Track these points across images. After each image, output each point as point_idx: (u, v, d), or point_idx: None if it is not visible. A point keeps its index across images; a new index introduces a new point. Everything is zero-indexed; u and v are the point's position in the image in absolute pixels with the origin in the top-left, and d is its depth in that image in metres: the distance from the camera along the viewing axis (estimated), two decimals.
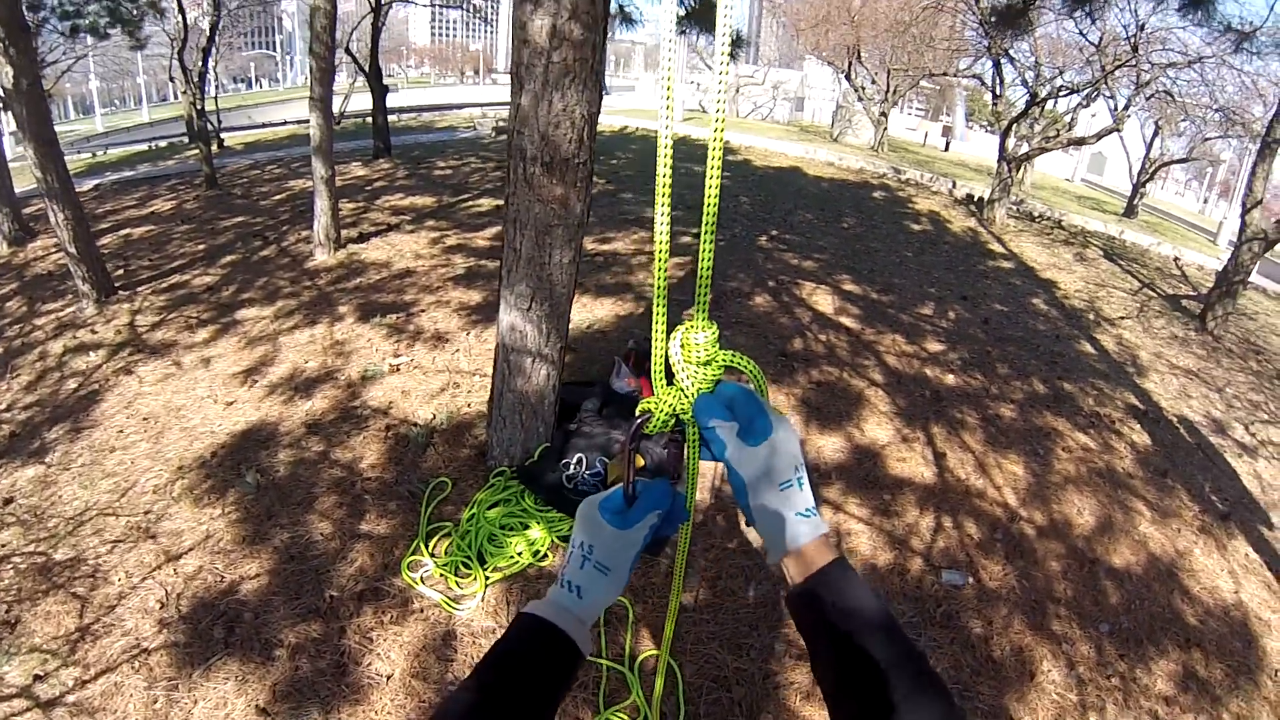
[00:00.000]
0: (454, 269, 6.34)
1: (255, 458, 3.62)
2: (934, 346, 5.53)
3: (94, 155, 17.43)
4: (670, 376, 0.76)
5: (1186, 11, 6.90)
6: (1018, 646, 2.83)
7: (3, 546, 3.10)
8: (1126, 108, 11.39)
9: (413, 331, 5.00)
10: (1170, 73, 10.83)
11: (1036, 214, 13.18)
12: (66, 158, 5.70)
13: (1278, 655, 3.06)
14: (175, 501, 3.32)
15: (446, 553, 2.96)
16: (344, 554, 2.96)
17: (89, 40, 12.67)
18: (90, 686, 2.40)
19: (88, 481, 3.53)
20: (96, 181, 11.68)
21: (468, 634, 2.62)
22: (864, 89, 20.28)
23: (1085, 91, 11.14)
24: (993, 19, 10.37)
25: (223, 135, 16.01)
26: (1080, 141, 11.46)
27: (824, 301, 6.21)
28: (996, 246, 9.72)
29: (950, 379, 4.98)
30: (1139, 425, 4.82)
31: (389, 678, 2.45)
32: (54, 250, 7.29)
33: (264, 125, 22.23)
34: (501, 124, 17.31)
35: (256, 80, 50.00)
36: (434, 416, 3.92)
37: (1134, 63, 9.82)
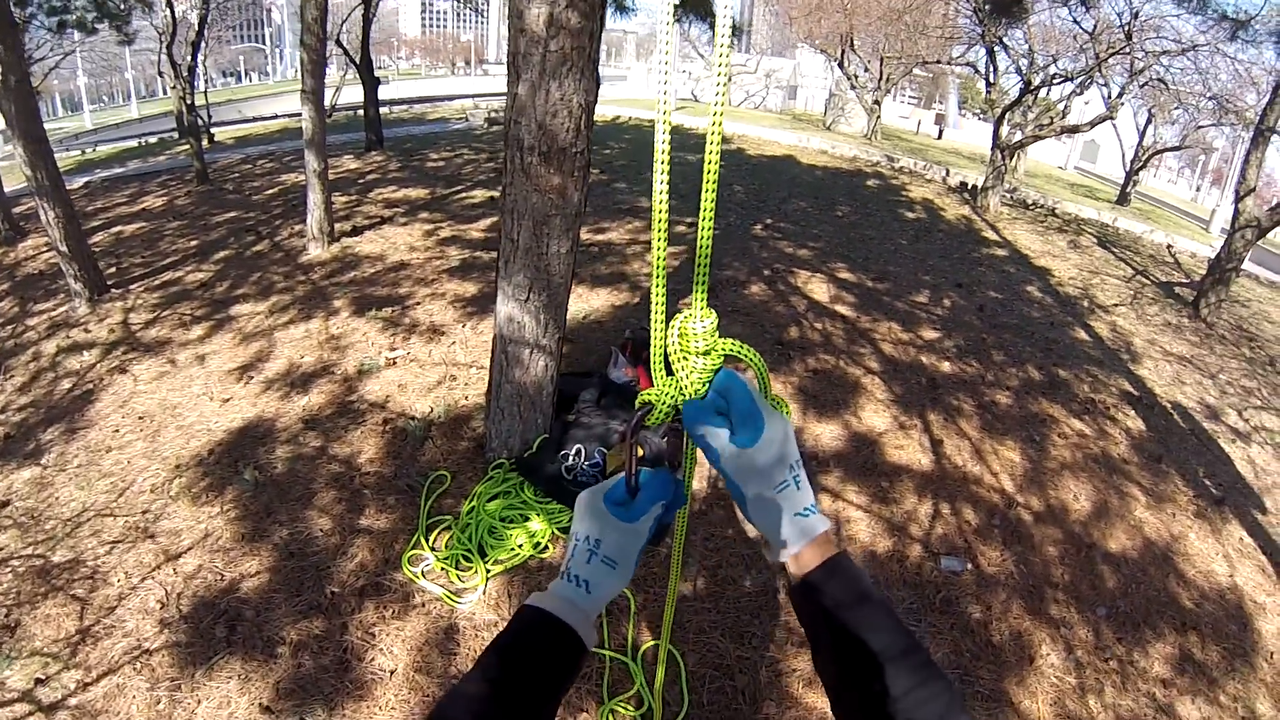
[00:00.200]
0: (449, 261, 6.32)
1: (253, 454, 3.61)
2: (929, 334, 5.54)
3: (83, 152, 17.29)
4: (670, 367, 0.73)
5: None
6: (1016, 631, 2.85)
7: (0, 550, 3.09)
8: (1120, 95, 11.40)
9: (408, 324, 4.99)
10: (1164, 60, 10.83)
11: (1030, 202, 13.19)
12: (55, 155, 5.64)
13: (1273, 638, 3.10)
14: (173, 500, 3.31)
15: (447, 546, 2.96)
16: (344, 549, 2.96)
17: (76, 36, 12.55)
18: (92, 689, 2.40)
19: (84, 482, 3.52)
20: (86, 179, 11.58)
21: (470, 627, 2.63)
22: (857, 77, 20.22)
23: (1079, 79, 11.12)
24: (986, 6, 10.34)
25: (213, 130, 15.87)
26: (1074, 129, 11.47)
27: (819, 290, 6.21)
28: (990, 234, 9.74)
29: (946, 366, 5.00)
30: (1133, 411, 4.85)
31: (392, 673, 2.45)
32: (45, 249, 7.24)
33: (254, 119, 22.08)
34: (494, 115, 17.23)
35: (246, 74, 49.60)
36: (432, 409, 3.91)
37: (1128, 50, 9.81)
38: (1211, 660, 2.90)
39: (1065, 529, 3.50)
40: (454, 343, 4.73)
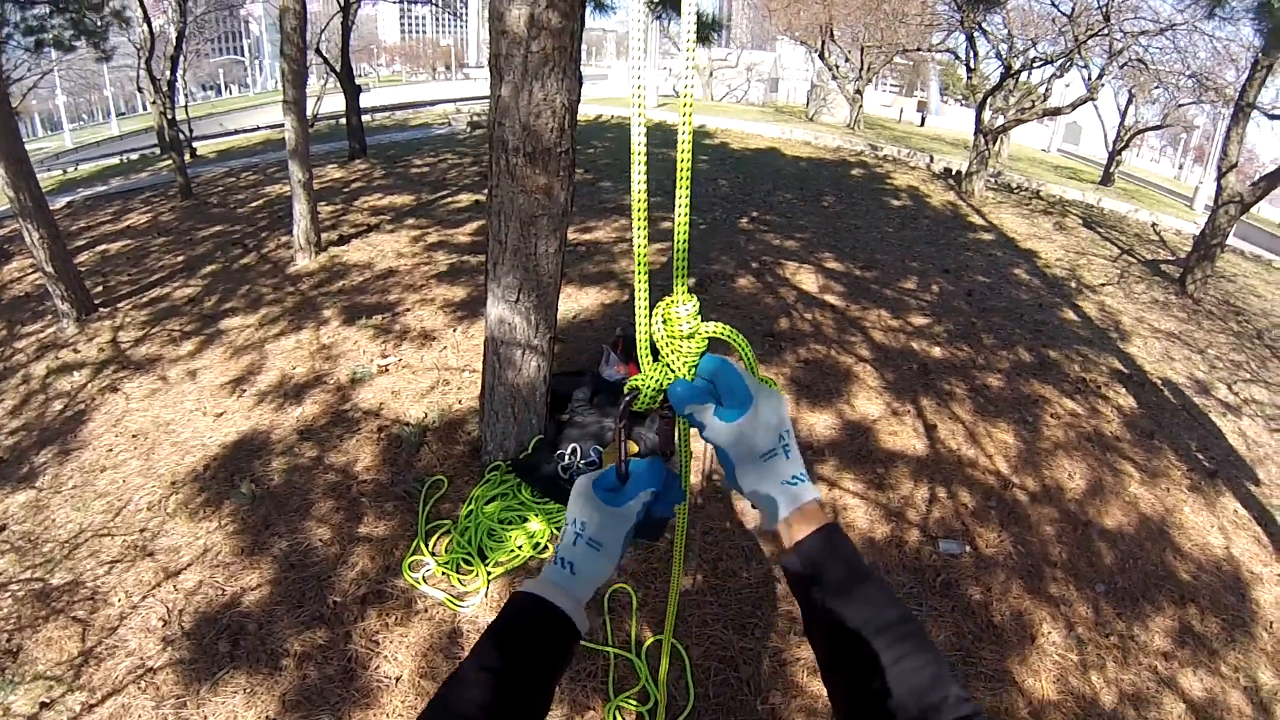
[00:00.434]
0: (437, 266, 6.30)
1: (249, 468, 3.60)
2: (919, 320, 5.57)
3: (64, 172, 17.15)
4: (656, 353, 0.76)
5: None
6: (1017, 611, 2.87)
7: None
8: (1100, 77, 11.44)
9: (399, 331, 4.98)
10: (1143, 40, 10.87)
11: (1015, 185, 13.26)
12: (37, 176, 5.60)
13: (1271, 607, 3.13)
14: (170, 517, 3.30)
15: (447, 550, 2.96)
16: (344, 558, 2.96)
17: (54, 54, 12.44)
18: (97, 710, 2.39)
19: (80, 503, 3.50)
20: (69, 198, 11.49)
21: (474, 630, 2.63)
22: (838, 67, 20.25)
23: (1059, 62, 11.17)
24: None
25: (195, 144, 15.78)
26: (1055, 112, 11.52)
27: (808, 280, 6.23)
28: (976, 219, 9.78)
29: (937, 351, 5.02)
30: (1124, 389, 4.88)
31: (398, 680, 2.45)
32: (30, 270, 7.19)
33: (236, 132, 21.97)
34: (476, 119, 17.18)
35: (226, 87, 49.32)
36: (426, 415, 3.91)
37: (1106, 32, 9.86)
38: (1211, 632, 2.93)
39: (1061, 508, 3.52)
40: (445, 347, 4.73)
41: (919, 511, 3.37)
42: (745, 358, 0.77)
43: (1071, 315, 6.26)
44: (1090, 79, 11.67)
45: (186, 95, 17.73)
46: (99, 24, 10.21)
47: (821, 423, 4.01)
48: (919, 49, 18.45)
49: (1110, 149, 17.77)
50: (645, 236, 0.73)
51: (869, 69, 20.11)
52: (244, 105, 35.48)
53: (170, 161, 10.54)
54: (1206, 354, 5.89)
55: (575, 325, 5.09)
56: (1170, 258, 9.10)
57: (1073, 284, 7.26)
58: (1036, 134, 26.81)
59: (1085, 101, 10.84)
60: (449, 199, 9.10)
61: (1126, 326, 6.20)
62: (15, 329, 5.91)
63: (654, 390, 0.75)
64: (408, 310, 5.34)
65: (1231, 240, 9.57)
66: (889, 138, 18.12)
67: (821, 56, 20.49)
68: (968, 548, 3.17)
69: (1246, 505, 3.82)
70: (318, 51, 12.88)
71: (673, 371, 0.74)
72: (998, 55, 11.84)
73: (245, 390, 4.39)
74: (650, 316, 0.75)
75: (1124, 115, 17.81)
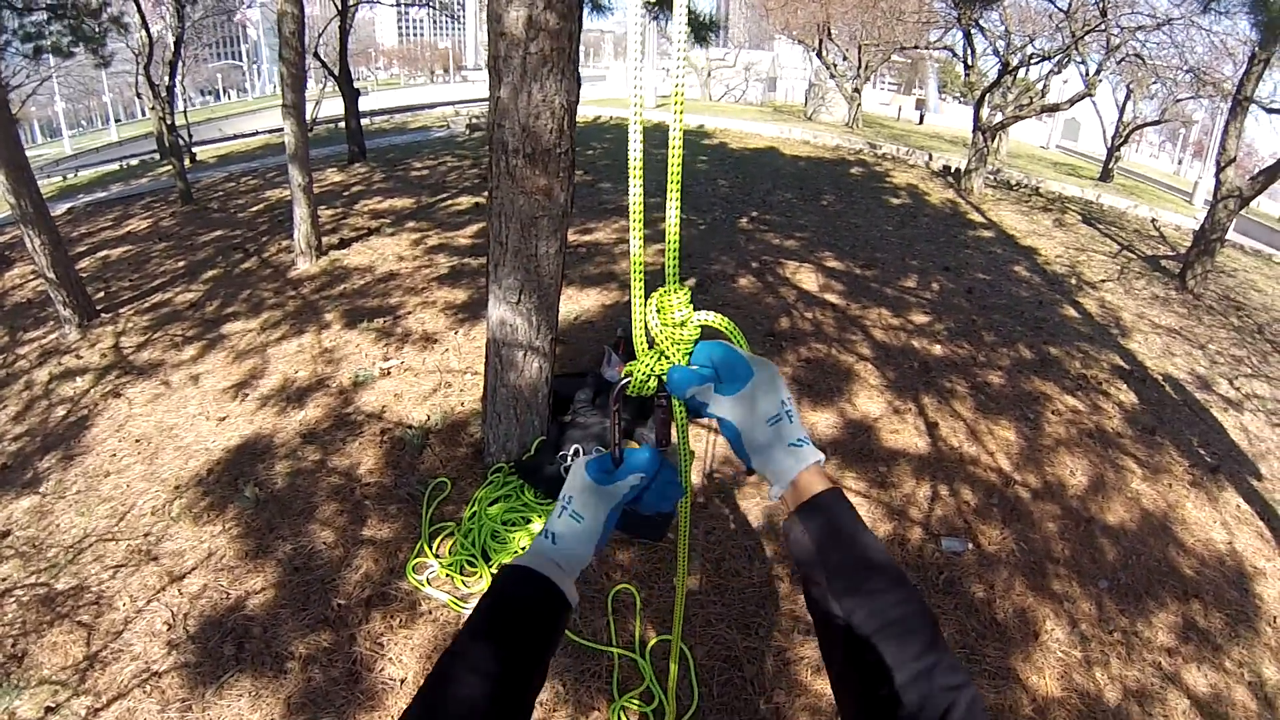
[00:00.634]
0: (437, 269, 6.31)
1: (252, 471, 3.60)
2: (920, 318, 5.57)
3: (64, 178, 17.16)
4: (651, 341, 0.79)
5: None
6: (1020, 608, 2.87)
7: (3, 580, 3.07)
8: (1098, 72, 11.44)
9: (401, 334, 4.99)
10: (1140, 36, 10.89)
11: (1014, 182, 13.26)
12: (37, 182, 5.61)
13: (1275, 601, 3.13)
14: (174, 522, 3.31)
15: (451, 552, 2.96)
16: (348, 561, 2.97)
17: (52, 61, 12.46)
18: (103, 715, 2.39)
19: (84, 508, 3.51)
20: (69, 205, 11.50)
21: None
22: (836, 66, 20.25)
23: (1056, 58, 11.19)
24: None
25: (194, 149, 15.78)
26: (1053, 108, 11.54)
27: (808, 280, 6.23)
28: (976, 216, 9.78)
29: (938, 349, 5.03)
30: (1125, 385, 4.89)
31: (402, 681, 2.46)
32: (32, 277, 7.20)
33: (235, 136, 21.95)
34: (475, 121, 17.19)
35: (224, 91, 49.34)
36: (428, 417, 3.91)
37: (1103, 27, 9.87)
38: (1215, 627, 2.93)
39: (1063, 505, 3.53)
40: (447, 350, 4.73)
41: (921, 510, 3.38)
42: (738, 342, 0.79)
43: (1072, 312, 6.27)
44: (1088, 75, 11.67)
45: (185, 100, 17.74)
46: (97, 30, 10.23)
47: (823, 421, 4.01)
48: (916, 47, 18.46)
49: (1109, 145, 17.76)
50: (641, 237, 0.75)
51: (867, 67, 20.12)
52: (243, 110, 35.47)
53: (170, 167, 10.56)
54: (1207, 349, 5.90)
55: (576, 326, 5.09)
56: (1170, 253, 9.10)
57: (1073, 280, 7.26)
58: (1035, 131, 26.79)
59: (1083, 97, 10.85)
60: (449, 201, 9.11)
61: (1127, 322, 6.20)
62: (17, 335, 5.92)
63: (647, 374, 0.78)
64: (409, 313, 5.34)
65: (1231, 235, 9.57)
66: (888, 136, 18.12)
67: (819, 55, 20.49)
68: (970, 545, 3.17)
69: (1249, 500, 3.82)
70: (316, 55, 12.88)
71: (667, 359, 0.77)
72: (995, 52, 11.86)
73: (248, 394, 4.39)
74: (645, 307, 0.77)
75: (1122, 111, 17.78)
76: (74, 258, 6.84)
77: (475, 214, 8.22)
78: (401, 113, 25.26)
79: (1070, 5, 10.25)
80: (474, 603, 2.71)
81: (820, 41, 20.11)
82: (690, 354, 0.76)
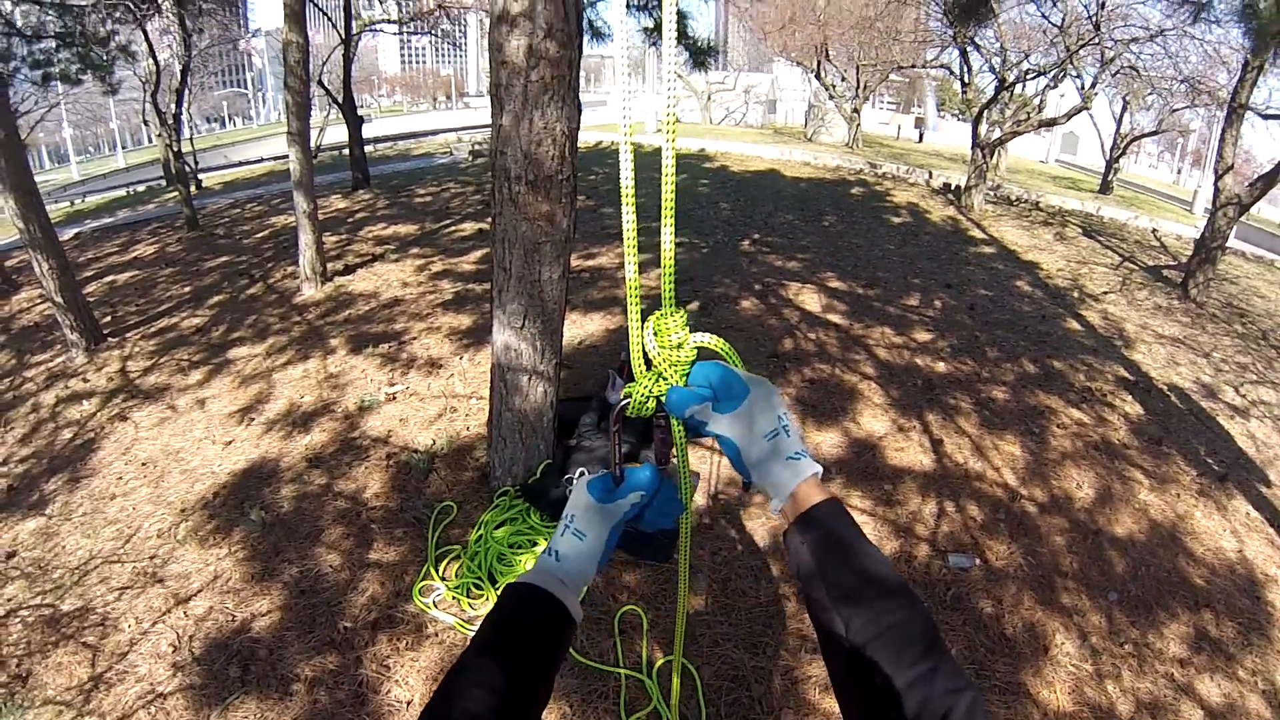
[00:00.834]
0: (442, 295, 6.36)
1: (258, 495, 3.61)
2: (923, 336, 5.58)
3: (72, 204, 17.37)
4: (650, 363, 0.80)
5: None
6: (1029, 622, 2.85)
7: (9, 601, 3.08)
8: (1093, 86, 11.51)
9: (406, 359, 5.01)
10: (1134, 48, 10.98)
11: (1014, 197, 13.32)
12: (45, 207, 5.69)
13: None
14: (180, 544, 3.32)
15: (457, 575, 2.96)
16: (355, 584, 2.96)
17: (61, 88, 12.66)
18: None
19: (90, 530, 3.52)
20: (77, 230, 11.64)
21: None
22: (834, 87, 20.44)
23: (1052, 73, 11.28)
24: (955, 10, 10.50)
25: (200, 176, 15.97)
26: (1051, 123, 11.60)
27: (811, 300, 6.26)
28: (977, 233, 9.82)
29: (941, 366, 5.03)
30: (1130, 396, 4.88)
31: (409, 703, 2.45)
32: (40, 301, 7.27)
33: (241, 163, 22.22)
34: (477, 148, 17.36)
35: (230, 119, 50.00)
36: (434, 442, 3.92)
37: (1097, 41, 9.95)
38: (1227, 636, 2.90)
39: (1071, 518, 3.51)
40: (452, 375, 4.75)
41: (928, 526, 3.37)
42: (733, 362, 0.81)
43: (1075, 325, 6.27)
44: (1084, 88, 11.76)
45: (191, 128, 18.00)
46: (105, 58, 10.40)
47: (828, 441, 4.01)
48: (914, 66, 18.62)
49: (1108, 157, 17.85)
50: (636, 262, 0.78)
51: (865, 87, 20.29)
52: (248, 137, 35.93)
53: (176, 193, 10.69)
54: (1212, 357, 5.89)
55: (581, 351, 5.11)
56: (1172, 263, 9.11)
57: (1075, 294, 7.27)
58: (1034, 145, 26.94)
59: (1080, 111, 10.91)
60: (453, 228, 9.18)
61: (1130, 333, 6.20)
62: (25, 358, 5.97)
63: (645, 395, 0.79)
64: (414, 338, 5.38)
65: (1232, 242, 9.60)
66: (887, 155, 18.24)
67: (818, 76, 20.69)
68: (978, 561, 3.16)
69: (1258, 507, 3.80)
70: (320, 83, 13.09)
71: (665, 380, 0.78)
72: (991, 69, 11.94)
73: (254, 419, 4.42)
74: (642, 330, 0.80)
75: (1119, 123, 17.89)
76: (81, 282, 6.91)
77: (479, 240, 8.29)
78: (404, 139, 25.54)
79: (1064, 20, 10.36)
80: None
81: (818, 63, 20.33)
82: (688, 375, 0.78)
